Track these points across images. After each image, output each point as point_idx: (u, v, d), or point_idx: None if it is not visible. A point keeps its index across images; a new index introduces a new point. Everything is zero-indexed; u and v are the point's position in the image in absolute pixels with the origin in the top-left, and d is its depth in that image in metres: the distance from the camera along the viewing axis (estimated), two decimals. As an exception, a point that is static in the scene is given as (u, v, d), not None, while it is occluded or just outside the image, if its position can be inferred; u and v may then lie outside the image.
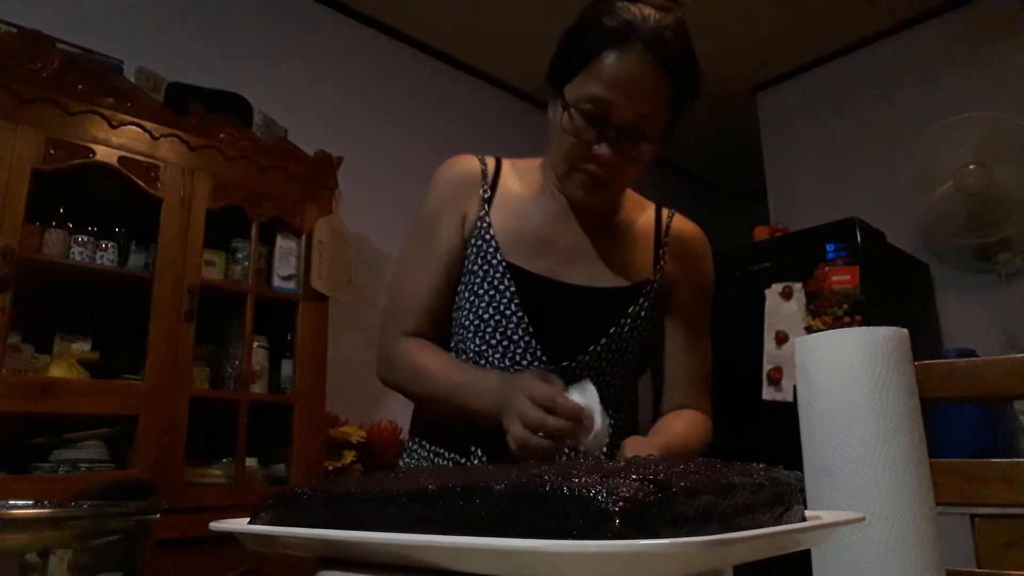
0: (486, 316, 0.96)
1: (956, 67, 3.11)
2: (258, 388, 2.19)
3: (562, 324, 0.96)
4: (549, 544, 0.33)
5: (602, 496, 0.34)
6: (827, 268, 2.60)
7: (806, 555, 0.59)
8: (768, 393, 2.64)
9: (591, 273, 0.99)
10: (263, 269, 2.28)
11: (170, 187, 2.03)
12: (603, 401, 0.91)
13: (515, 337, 0.95)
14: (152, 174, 2.00)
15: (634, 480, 0.35)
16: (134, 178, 1.96)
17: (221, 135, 2.17)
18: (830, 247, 2.64)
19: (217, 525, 0.52)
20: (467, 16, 3.23)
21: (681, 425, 0.97)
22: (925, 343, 2.78)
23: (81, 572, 0.56)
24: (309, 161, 2.39)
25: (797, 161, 3.61)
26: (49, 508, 0.61)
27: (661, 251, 1.03)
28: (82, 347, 1.99)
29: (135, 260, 2.03)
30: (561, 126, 0.90)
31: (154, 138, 2.02)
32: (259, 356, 2.22)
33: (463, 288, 1.00)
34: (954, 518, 1.77)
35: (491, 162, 1.05)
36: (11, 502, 0.65)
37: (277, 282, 2.28)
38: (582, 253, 1.00)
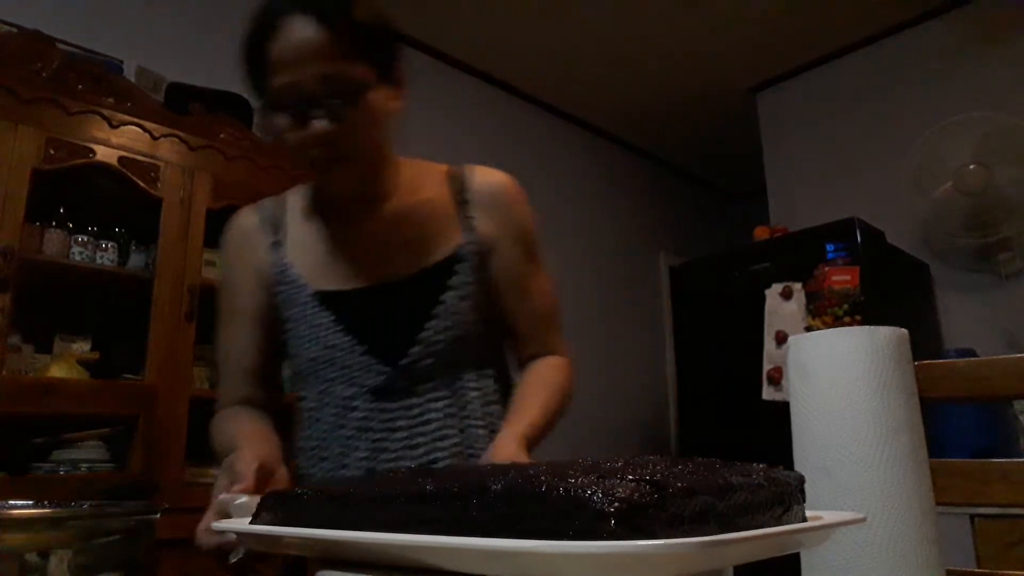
0: (316, 355, 0.94)
1: (956, 67, 3.11)
2: (258, 388, 2.19)
3: (387, 327, 0.93)
4: (545, 545, 0.33)
5: (598, 496, 0.34)
6: (827, 268, 2.60)
7: (798, 557, 0.59)
8: (768, 393, 2.64)
9: (400, 264, 0.96)
10: (263, 269, 2.28)
11: (170, 187, 2.03)
12: (455, 382, 0.94)
13: (349, 362, 0.93)
14: (152, 174, 2.00)
15: (631, 480, 0.35)
16: (134, 178, 1.96)
17: (221, 135, 2.17)
18: (830, 247, 2.64)
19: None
20: (467, 16, 3.23)
21: (542, 393, 0.94)
22: (925, 343, 2.78)
23: (81, 572, 0.56)
24: (309, 161, 2.39)
25: (797, 161, 3.61)
26: (49, 508, 0.61)
27: (465, 210, 0.99)
28: (82, 347, 1.99)
29: (135, 260, 2.03)
30: (278, 130, 0.87)
31: (154, 138, 2.02)
32: (259, 356, 2.22)
33: (289, 338, 0.98)
34: (954, 518, 1.77)
35: (274, 204, 1.04)
36: (11, 502, 0.65)
37: (277, 282, 2.28)
38: (384, 249, 0.97)
